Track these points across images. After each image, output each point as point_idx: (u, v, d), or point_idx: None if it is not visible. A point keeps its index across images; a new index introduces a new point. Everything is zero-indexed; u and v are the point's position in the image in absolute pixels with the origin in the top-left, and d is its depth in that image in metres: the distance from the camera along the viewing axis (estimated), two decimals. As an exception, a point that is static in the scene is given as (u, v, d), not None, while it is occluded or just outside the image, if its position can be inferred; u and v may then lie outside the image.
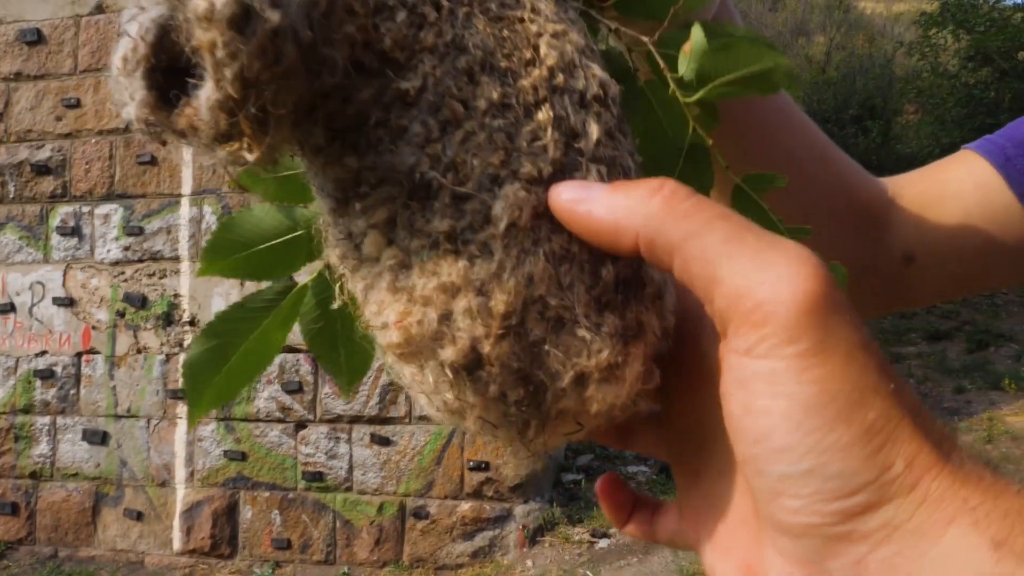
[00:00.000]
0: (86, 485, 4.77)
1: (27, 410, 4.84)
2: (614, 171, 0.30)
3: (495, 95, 0.29)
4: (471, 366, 0.28)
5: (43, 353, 4.86)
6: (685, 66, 0.39)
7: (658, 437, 0.35)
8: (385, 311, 0.29)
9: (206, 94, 0.25)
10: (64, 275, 4.86)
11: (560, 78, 0.30)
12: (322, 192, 0.31)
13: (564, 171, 0.29)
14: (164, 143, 0.28)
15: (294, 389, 4.55)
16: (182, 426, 4.68)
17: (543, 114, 0.29)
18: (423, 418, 4.39)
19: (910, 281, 0.68)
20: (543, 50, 0.30)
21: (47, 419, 4.82)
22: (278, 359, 4.56)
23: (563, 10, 0.32)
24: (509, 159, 0.28)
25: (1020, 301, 8.12)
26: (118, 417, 4.76)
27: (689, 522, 0.33)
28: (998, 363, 6.87)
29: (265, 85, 0.25)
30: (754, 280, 0.25)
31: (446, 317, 0.28)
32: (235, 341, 0.44)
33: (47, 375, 4.83)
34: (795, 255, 0.25)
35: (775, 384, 0.24)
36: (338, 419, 4.51)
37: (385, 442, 4.45)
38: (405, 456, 4.44)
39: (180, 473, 4.68)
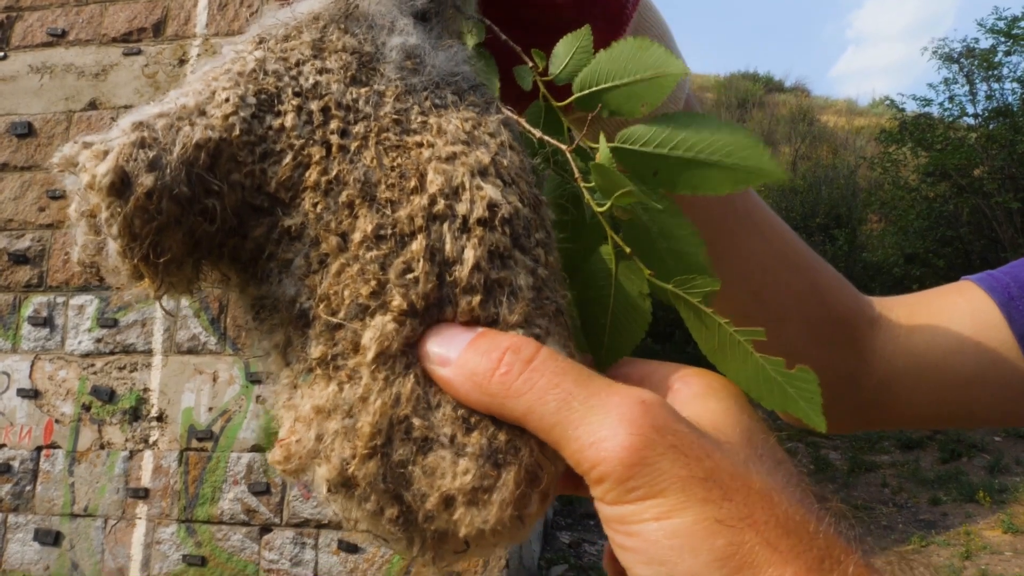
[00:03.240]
0: (32, 590, 4.50)
1: (-23, 507, 4.61)
2: (495, 295, 0.31)
3: (370, 227, 0.30)
4: (345, 484, 0.30)
5: (1, 446, 4.67)
6: (558, 67, 0.38)
7: None
8: (282, 427, 0.31)
9: (111, 245, 0.29)
10: (32, 366, 4.74)
11: (441, 204, 0.31)
12: (245, 315, 0.33)
13: (436, 304, 0.30)
14: (102, 280, 0.31)
15: (261, 490, 4.39)
16: (141, 527, 4.48)
17: (417, 244, 0.30)
18: (394, 525, 4.25)
19: (890, 402, 0.66)
20: (429, 176, 0.31)
21: (-2, 517, 4.59)
22: (245, 458, 4.43)
23: (479, 125, 0.33)
24: (381, 290, 0.30)
25: (989, 410, 8.21)
26: (74, 516, 4.54)
27: None
28: (972, 474, 6.87)
29: (147, 237, 0.29)
30: (585, 444, 0.28)
31: (321, 437, 0.30)
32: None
33: (4, 470, 4.63)
34: (617, 413, 0.28)
35: (627, 524, 0.27)
36: (305, 523, 4.35)
37: (353, 549, 4.28)
38: (373, 565, 4.27)
39: (134, 579, 4.44)
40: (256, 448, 4.44)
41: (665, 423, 0.28)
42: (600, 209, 0.35)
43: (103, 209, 0.29)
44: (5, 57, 5.09)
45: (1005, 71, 10.69)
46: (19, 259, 4.83)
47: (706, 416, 0.31)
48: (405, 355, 0.30)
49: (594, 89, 0.37)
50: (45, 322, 4.76)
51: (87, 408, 4.64)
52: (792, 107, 16.53)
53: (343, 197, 0.31)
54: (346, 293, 0.30)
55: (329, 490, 0.30)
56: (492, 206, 0.31)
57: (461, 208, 0.31)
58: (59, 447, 4.62)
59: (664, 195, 0.36)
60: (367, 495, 0.29)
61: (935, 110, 11.15)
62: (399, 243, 0.30)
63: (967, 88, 10.99)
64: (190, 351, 4.61)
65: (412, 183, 0.31)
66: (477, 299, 0.31)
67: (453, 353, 0.30)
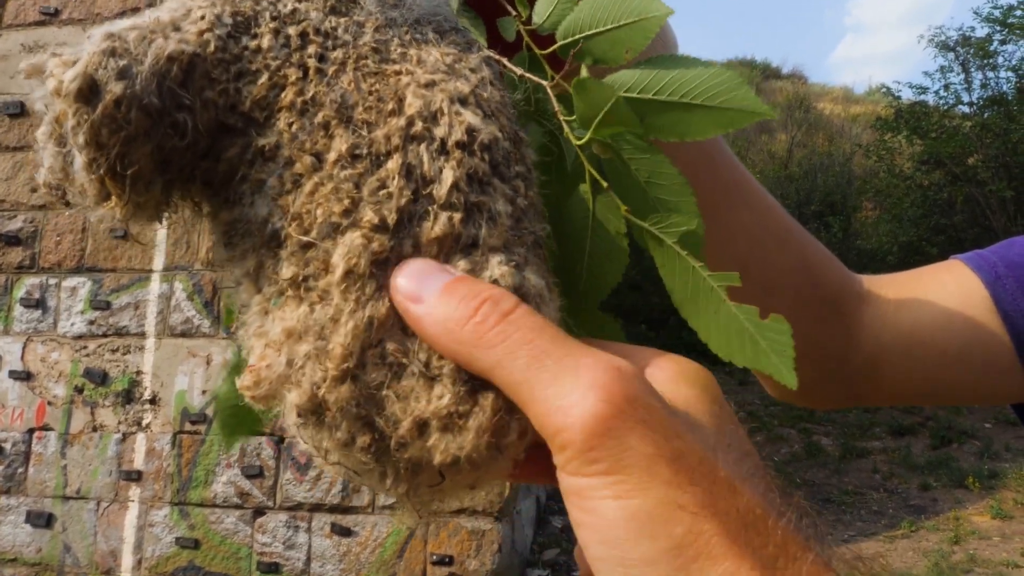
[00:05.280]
0: (24, 572, 4.50)
1: (-31, 489, 4.60)
2: (473, 217, 0.30)
3: (345, 147, 0.30)
4: (315, 410, 0.28)
5: (-7, 429, 4.66)
6: (542, 16, 0.38)
7: None
8: (252, 356, 0.30)
9: (77, 159, 0.29)
10: (24, 347, 4.72)
11: (419, 126, 0.30)
12: (217, 245, 0.33)
13: (410, 219, 0.29)
14: (68, 204, 0.31)
15: (254, 473, 4.40)
16: (133, 510, 4.48)
17: (393, 163, 0.30)
18: (387, 508, 4.27)
19: (877, 378, 0.67)
20: (408, 100, 0.31)
21: (-10, 499, 4.58)
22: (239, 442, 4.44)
23: (459, 60, 0.33)
24: (354, 208, 0.29)
25: (979, 398, 8.26)
26: (66, 499, 4.54)
27: None
28: (962, 460, 6.93)
29: (114, 148, 0.28)
30: (551, 407, 0.26)
31: (291, 362, 0.29)
32: None
33: (-5, 452, 4.62)
34: (588, 378, 0.26)
35: (584, 499, 0.26)
36: (298, 507, 4.36)
37: (346, 532, 4.30)
38: (366, 548, 4.29)
39: (127, 560, 4.44)
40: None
41: (638, 395, 0.26)
42: (579, 142, 0.34)
43: (69, 116, 0.28)
44: (-5, 36, 5.03)
45: (1000, 60, 10.69)
46: (11, 240, 4.80)
47: (678, 401, 0.29)
48: (376, 277, 0.29)
49: (577, 36, 0.36)
50: (37, 304, 4.74)
51: (80, 390, 4.63)
52: (789, 94, 16.51)
53: (319, 118, 0.30)
54: (319, 212, 0.29)
55: (299, 415, 0.29)
56: (471, 131, 0.31)
57: (439, 131, 0.30)
58: (51, 429, 4.62)
59: (650, 143, 0.35)
60: (338, 422, 0.28)
61: (931, 98, 11.17)
62: (374, 162, 0.30)
63: (963, 76, 10.99)
64: (183, 334, 4.60)
65: (390, 106, 0.31)
66: (458, 216, 0.30)
67: (427, 292, 0.28)
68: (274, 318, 0.30)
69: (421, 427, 0.28)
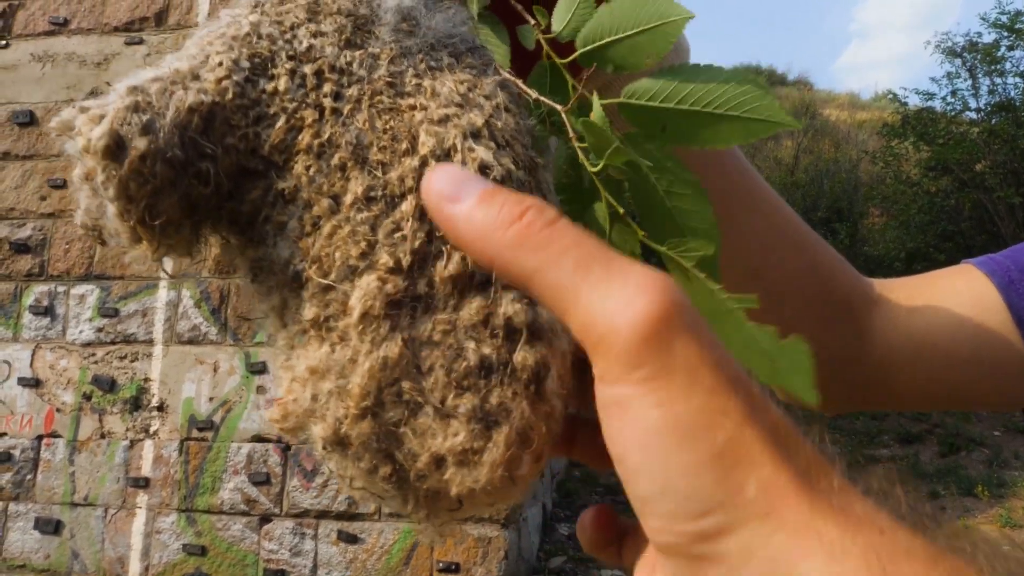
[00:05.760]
0: (33, 578, 4.52)
1: (-22, 495, 4.62)
2: None
3: (361, 189, 0.30)
4: (339, 442, 0.30)
5: (2, 435, 4.68)
6: (561, 23, 0.38)
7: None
8: (280, 388, 0.32)
9: (109, 208, 0.30)
10: (33, 355, 4.74)
11: (432, 166, 0.31)
12: (245, 277, 0.33)
13: (424, 259, 0.30)
14: (104, 243, 0.32)
15: (261, 480, 4.41)
16: (141, 516, 4.49)
17: (407, 204, 0.30)
18: (393, 515, 4.26)
19: (887, 382, 0.67)
20: (421, 138, 0.31)
21: (-1, 505, 4.60)
22: (246, 448, 4.44)
23: (474, 87, 0.33)
24: (371, 251, 0.30)
25: (988, 405, 8.20)
26: (74, 505, 4.55)
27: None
28: (971, 468, 6.88)
29: (142, 200, 0.29)
30: (597, 311, 0.25)
31: (316, 397, 0.30)
32: None
33: (4, 459, 4.64)
34: (636, 283, 0.26)
35: (625, 409, 0.25)
36: (305, 513, 4.36)
37: (352, 540, 4.30)
38: (373, 555, 4.28)
39: (135, 567, 4.45)
40: (256, 438, 4.45)
41: (684, 303, 0.26)
42: (594, 169, 0.34)
43: (99, 172, 0.29)
44: (7, 45, 5.07)
45: (1008, 66, 10.66)
46: (20, 248, 4.83)
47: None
48: (390, 317, 0.29)
49: (598, 44, 0.36)
50: (46, 311, 4.76)
51: (88, 397, 4.65)
52: (795, 101, 16.48)
53: (335, 160, 0.31)
54: (337, 255, 0.30)
55: (324, 448, 0.30)
56: (484, 167, 0.31)
57: None
58: (60, 436, 4.63)
59: (670, 152, 0.35)
60: (360, 454, 0.29)
61: (937, 104, 11.13)
62: (389, 204, 0.30)
63: (970, 82, 10.96)
64: (191, 341, 4.62)
65: (404, 145, 0.31)
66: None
67: (465, 194, 0.28)
68: (299, 355, 0.31)
69: (438, 462, 0.29)
